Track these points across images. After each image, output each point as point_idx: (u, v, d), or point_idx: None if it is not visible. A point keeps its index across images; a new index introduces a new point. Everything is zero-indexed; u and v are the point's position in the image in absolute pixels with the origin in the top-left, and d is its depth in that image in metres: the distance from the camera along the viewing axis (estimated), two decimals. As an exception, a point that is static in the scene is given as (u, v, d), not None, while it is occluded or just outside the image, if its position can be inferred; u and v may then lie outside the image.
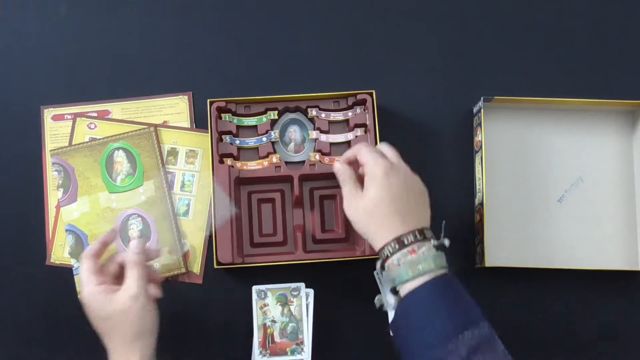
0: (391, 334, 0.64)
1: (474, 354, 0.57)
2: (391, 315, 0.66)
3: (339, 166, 0.71)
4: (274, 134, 0.80)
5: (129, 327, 0.65)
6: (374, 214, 0.65)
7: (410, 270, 0.61)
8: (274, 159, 0.79)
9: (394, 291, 0.65)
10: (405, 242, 0.63)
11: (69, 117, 0.83)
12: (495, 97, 0.79)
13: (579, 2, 0.87)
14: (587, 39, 0.86)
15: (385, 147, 0.71)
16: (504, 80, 0.85)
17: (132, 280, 0.66)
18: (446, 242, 0.65)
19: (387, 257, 0.64)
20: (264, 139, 0.80)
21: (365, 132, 0.80)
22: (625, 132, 0.83)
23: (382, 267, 0.66)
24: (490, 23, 0.86)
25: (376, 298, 0.67)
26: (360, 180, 0.69)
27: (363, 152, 0.69)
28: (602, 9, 0.87)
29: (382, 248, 0.64)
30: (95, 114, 0.83)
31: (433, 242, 0.63)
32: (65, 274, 0.80)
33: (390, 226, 0.64)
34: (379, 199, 0.65)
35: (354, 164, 0.71)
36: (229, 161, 0.78)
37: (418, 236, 0.63)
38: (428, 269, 0.61)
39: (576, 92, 0.83)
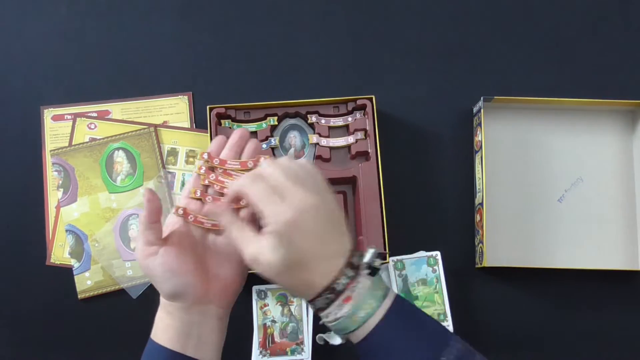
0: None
1: None
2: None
3: (217, 209, 0.57)
4: (274, 140, 0.80)
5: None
6: (288, 269, 0.51)
7: (351, 322, 0.51)
8: None
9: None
10: (337, 288, 0.51)
11: (69, 117, 0.83)
12: (495, 97, 0.79)
13: (579, 2, 0.87)
14: (587, 39, 0.86)
15: (269, 168, 0.54)
16: (504, 80, 0.85)
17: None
18: (377, 262, 0.53)
19: (321, 309, 0.52)
20: (264, 145, 0.80)
21: (365, 136, 0.80)
22: (625, 132, 0.83)
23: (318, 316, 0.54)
24: (490, 23, 0.86)
25: (317, 337, 0.61)
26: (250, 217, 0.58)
27: (251, 190, 0.52)
28: (602, 9, 0.87)
29: (313, 301, 0.52)
30: (95, 114, 0.83)
31: (364, 270, 0.52)
32: (65, 274, 0.80)
33: (314, 276, 0.51)
34: (289, 249, 0.50)
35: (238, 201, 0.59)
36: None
37: (349, 273, 0.51)
38: (371, 311, 0.51)
39: (576, 92, 0.83)
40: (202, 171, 0.62)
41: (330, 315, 0.52)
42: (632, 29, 0.87)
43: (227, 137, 0.63)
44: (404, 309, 0.53)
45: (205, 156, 0.62)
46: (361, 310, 0.51)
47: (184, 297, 0.56)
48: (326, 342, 0.60)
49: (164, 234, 0.58)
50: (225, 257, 0.60)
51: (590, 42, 0.86)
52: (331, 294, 0.51)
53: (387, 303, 0.52)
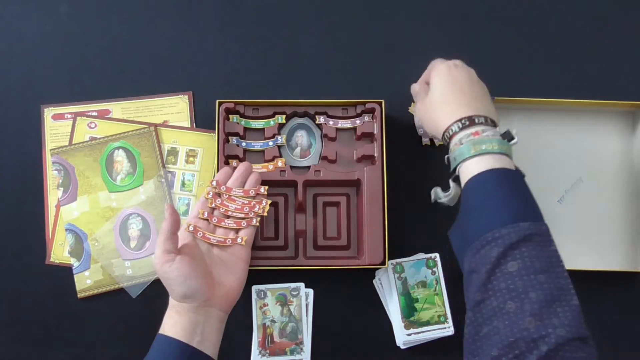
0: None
1: (523, 242, 0.56)
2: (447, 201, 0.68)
3: (415, 85, 0.75)
4: (281, 139, 0.80)
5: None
6: (440, 103, 0.66)
7: (472, 147, 0.61)
8: (280, 163, 0.79)
9: (455, 179, 0.65)
10: (476, 121, 0.62)
11: (69, 116, 0.83)
12: (496, 97, 0.79)
13: (579, 3, 0.87)
14: (588, 40, 0.86)
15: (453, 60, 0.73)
16: (504, 80, 0.85)
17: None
18: (514, 131, 0.63)
19: (453, 135, 0.64)
20: (271, 142, 0.80)
21: (372, 141, 0.80)
22: (625, 132, 0.83)
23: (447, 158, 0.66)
24: (491, 24, 0.86)
25: (432, 190, 0.68)
26: None
27: (434, 63, 0.71)
28: (603, 9, 0.87)
29: (449, 127, 0.64)
30: (95, 113, 0.83)
31: (499, 130, 0.63)
32: (65, 273, 0.80)
33: (458, 109, 0.64)
34: (443, 88, 0.67)
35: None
36: (234, 163, 0.78)
37: (488, 121, 0.63)
38: (491, 149, 0.60)
39: (576, 93, 0.83)
40: (209, 196, 0.72)
41: (458, 140, 0.62)
42: (633, 30, 0.87)
43: (231, 164, 0.76)
44: (518, 179, 0.61)
45: (214, 183, 0.73)
46: (483, 144, 0.61)
47: (193, 298, 0.65)
48: (435, 201, 0.68)
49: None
50: (228, 268, 0.70)
51: (590, 43, 0.86)
52: (468, 121, 0.62)
53: (506, 161, 0.61)
